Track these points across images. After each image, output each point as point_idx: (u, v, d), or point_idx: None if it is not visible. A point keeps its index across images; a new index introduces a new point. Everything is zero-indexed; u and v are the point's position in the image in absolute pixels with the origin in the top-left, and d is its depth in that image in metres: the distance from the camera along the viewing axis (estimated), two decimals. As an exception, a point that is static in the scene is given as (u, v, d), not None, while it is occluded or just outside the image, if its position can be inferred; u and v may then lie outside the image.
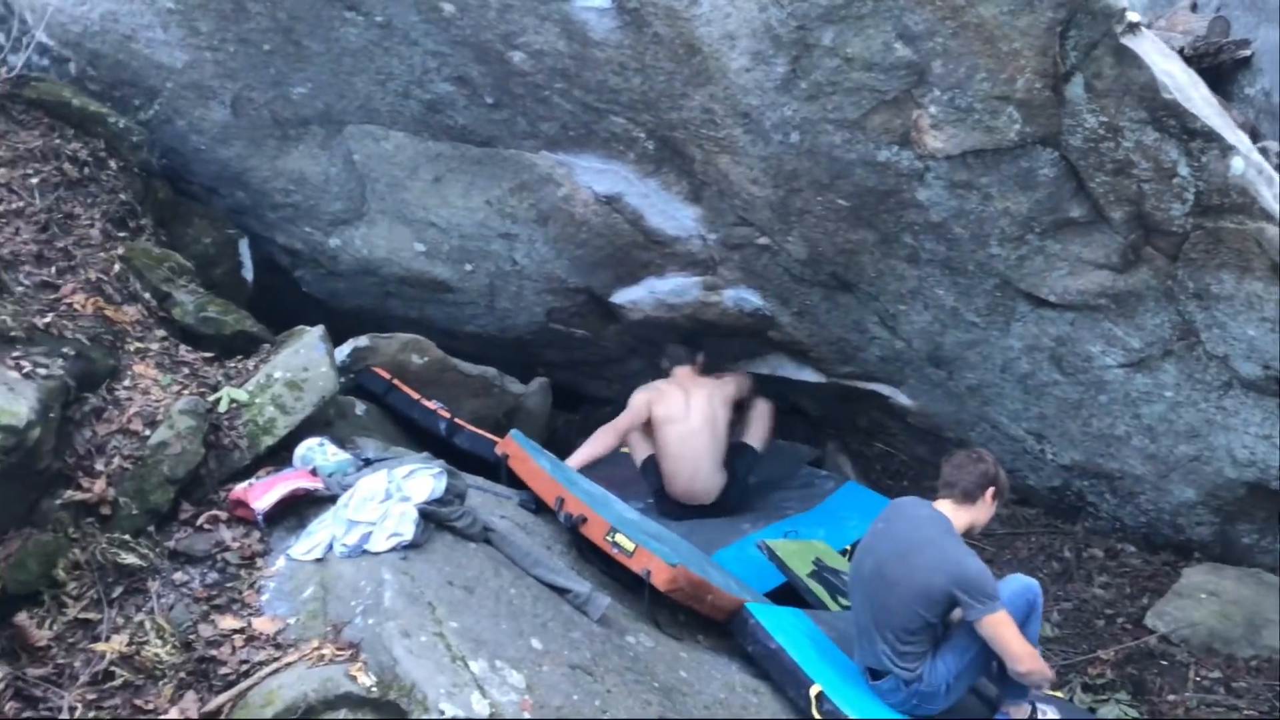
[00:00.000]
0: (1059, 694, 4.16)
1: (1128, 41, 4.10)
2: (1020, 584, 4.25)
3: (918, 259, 5.18)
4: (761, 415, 6.41)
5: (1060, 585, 5.80)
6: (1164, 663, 5.15)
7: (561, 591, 4.09)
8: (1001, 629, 4.01)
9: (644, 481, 6.35)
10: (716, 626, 4.53)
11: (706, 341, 6.40)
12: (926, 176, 4.70)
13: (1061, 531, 6.18)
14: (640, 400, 6.15)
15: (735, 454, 6.17)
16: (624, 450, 6.78)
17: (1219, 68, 5.76)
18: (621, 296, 6.35)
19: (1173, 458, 5.37)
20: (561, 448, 7.01)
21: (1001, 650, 4.06)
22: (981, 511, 4.24)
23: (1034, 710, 4.32)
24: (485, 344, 7.03)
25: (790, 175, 4.98)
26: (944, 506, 4.21)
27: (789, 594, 5.19)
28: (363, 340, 5.89)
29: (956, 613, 4.12)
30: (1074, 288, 4.89)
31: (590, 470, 6.37)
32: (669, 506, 6.16)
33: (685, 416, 6.06)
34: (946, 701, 4.17)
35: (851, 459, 6.91)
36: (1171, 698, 4.93)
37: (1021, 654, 4.04)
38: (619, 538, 4.40)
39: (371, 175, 6.05)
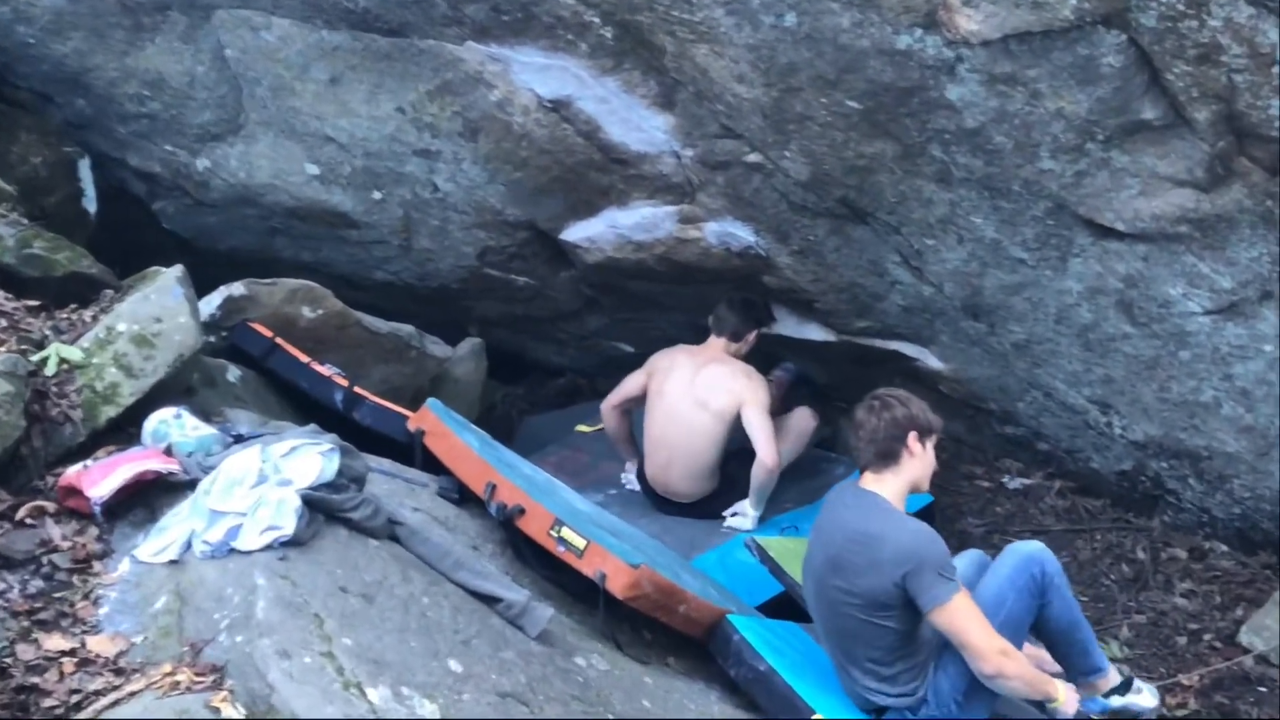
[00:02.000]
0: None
1: (1215, -114, 4.05)
2: (1018, 556, 4.25)
3: (949, 178, 5.14)
4: (796, 430, 6.37)
5: (1132, 594, 5.85)
6: (1262, 689, 5.20)
7: (491, 601, 4.07)
8: (955, 618, 3.96)
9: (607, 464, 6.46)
10: (692, 646, 4.52)
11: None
12: (959, 69, 4.64)
13: (1134, 527, 6.22)
14: (644, 368, 6.23)
15: (742, 463, 6.11)
16: (583, 430, 6.79)
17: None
18: (574, 233, 6.33)
19: (1275, 430, 5.37)
20: (501, 428, 7.03)
21: (959, 645, 4.02)
22: (915, 466, 4.24)
23: (1127, 684, 4.36)
24: (400, 295, 6.99)
25: (786, 70, 4.93)
26: (868, 483, 4.24)
27: (787, 608, 5.17)
28: (238, 287, 5.83)
29: None
30: (1147, 212, 4.86)
31: (539, 455, 6.38)
32: (645, 488, 6.28)
33: (677, 397, 6.05)
34: None
35: (868, 438, 6.89)
36: (1271, 732, 4.98)
37: (983, 648, 3.96)
38: (566, 533, 4.37)
39: (249, 76, 5.99)
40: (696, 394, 5.99)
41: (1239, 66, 4.26)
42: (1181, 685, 5.18)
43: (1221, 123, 4.46)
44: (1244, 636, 5.40)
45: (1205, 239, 4.86)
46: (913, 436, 4.22)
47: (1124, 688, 4.46)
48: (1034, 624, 4.29)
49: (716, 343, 6.19)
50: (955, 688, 4.10)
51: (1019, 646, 4.16)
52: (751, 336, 6.22)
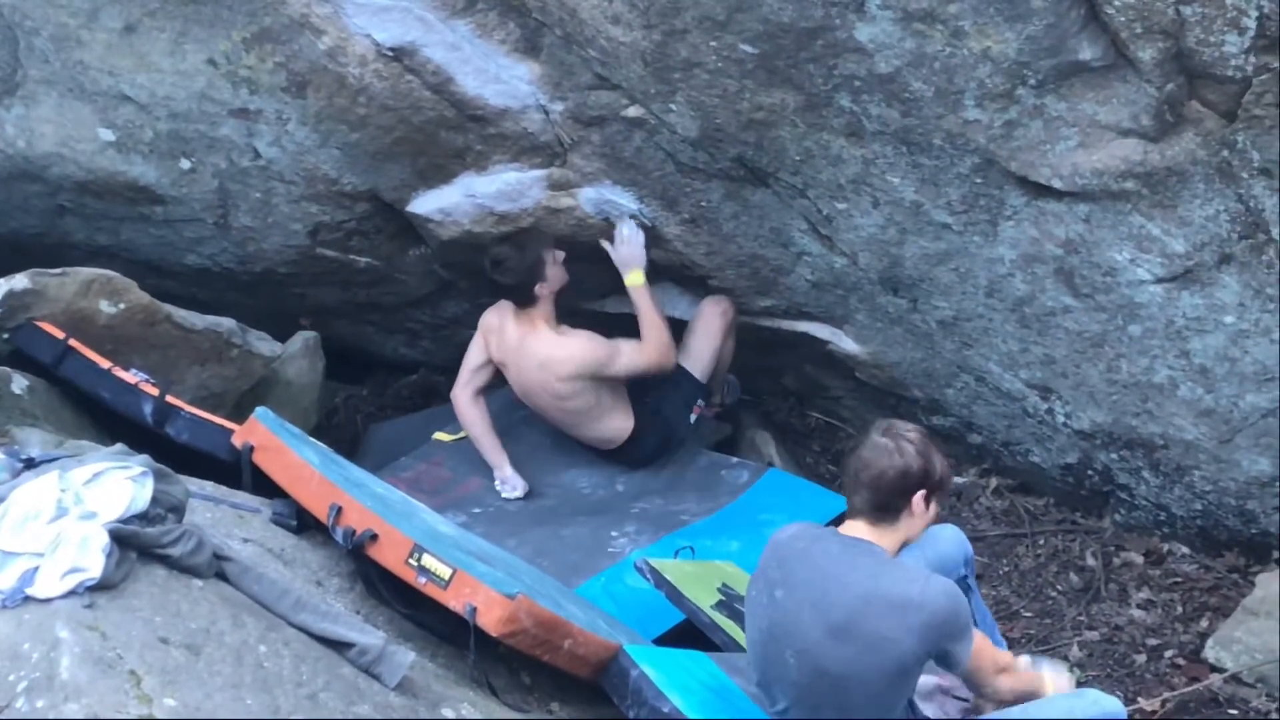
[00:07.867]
0: None
1: None
2: (947, 547, 4.47)
3: (860, 132, 5.20)
4: (707, 324, 6.48)
5: (1082, 607, 5.91)
6: (1233, 712, 5.27)
7: (340, 647, 4.03)
8: (979, 660, 4.10)
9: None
10: (579, 688, 4.53)
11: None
12: (869, 5, 4.68)
13: (1082, 529, 6.32)
14: (479, 331, 6.43)
15: (662, 389, 6.33)
16: (441, 438, 6.80)
17: None
18: (425, 203, 6.35)
19: (1238, 413, 5.48)
20: (344, 438, 6.99)
21: (980, 684, 4.22)
22: (913, 524, 4.15)
23: None
24: (218, 283, 6.94)
25: (668, 9, 4.95)
26: (861, 531, 4.12)
27: (687, 642, 5.18)
28: (21, 280, 5.74)
29: None
30: (1088, 166, 4.93)
31: (391, 470, 6.38)
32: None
33: (522, 375, 6.30)
34: None
35: (776, 436, 6.94)
36: (1246, 760, 5.08)
37: (992, 673, 4.19)
38: (427, 560, 4.33)
39: (25, 24, 5.93)
40: (540, 371, 6.21)
41: (1187, -2, 4.35)
42: (1143, 711, 5.22)
43: (1169, 62, 4.54)
44: (1210, 652, 5.47)
45: (1154, 196, 4.93)
46: (919, 496, 4.08)
47: None
48: None
49: (523, 315, 6.25)
50: None
51: None
52: (540, 288, 6.18)
